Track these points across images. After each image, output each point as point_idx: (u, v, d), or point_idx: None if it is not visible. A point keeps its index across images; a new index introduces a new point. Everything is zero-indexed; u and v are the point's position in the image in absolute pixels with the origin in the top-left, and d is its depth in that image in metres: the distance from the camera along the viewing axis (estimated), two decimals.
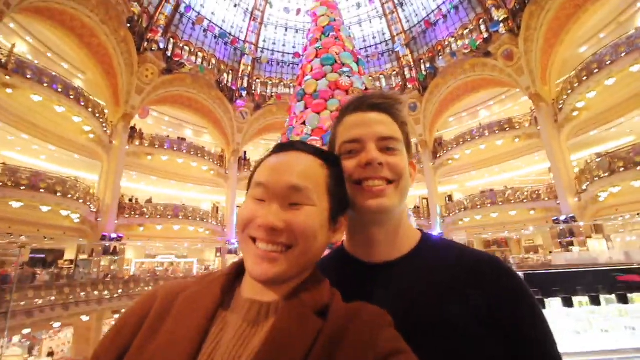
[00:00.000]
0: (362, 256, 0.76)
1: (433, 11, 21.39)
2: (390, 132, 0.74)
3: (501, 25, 17.63)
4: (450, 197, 24.03)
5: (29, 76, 12.52)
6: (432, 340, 0.61)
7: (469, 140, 19.81)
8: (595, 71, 13.59)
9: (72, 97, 14.08)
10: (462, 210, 20.13)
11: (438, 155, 21.71)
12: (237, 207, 22.83)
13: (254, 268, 0.57)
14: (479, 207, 19.18)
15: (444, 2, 20.81)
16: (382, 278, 0.71)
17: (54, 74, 13.89)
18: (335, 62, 6.01)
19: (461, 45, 19.58)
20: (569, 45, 16.10)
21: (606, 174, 13.10)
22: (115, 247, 16.00)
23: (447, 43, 20.80)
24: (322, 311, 0.57)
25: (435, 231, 20.48)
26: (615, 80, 13.15)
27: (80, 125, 15.08)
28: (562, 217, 15.50)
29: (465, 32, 19.83)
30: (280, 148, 0.67)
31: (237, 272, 0.66)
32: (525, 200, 17.66)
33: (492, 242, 23.19)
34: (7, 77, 11.85)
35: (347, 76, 5.53)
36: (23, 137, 14.33)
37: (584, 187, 14.70)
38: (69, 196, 13.63)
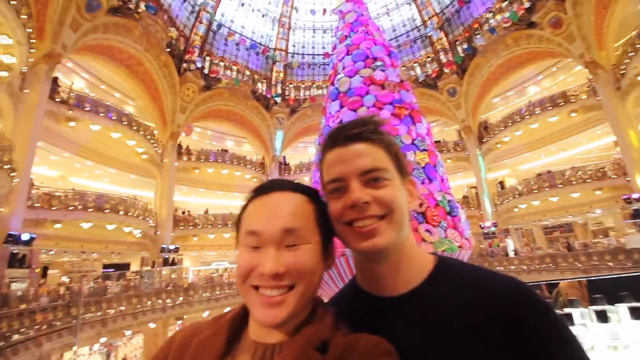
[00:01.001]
0: (372, 289, 0.73)
1: None
2: (373, 162, 0.68)
3: None
4: (502, 184, 22.49)
5: (87, 109, 13.94)
6: None
7: (518, 120, 18.37)
8: None
9: (125, 123, 15.40)
10: (517, 196, 18.72)
11: (484, 140, 20.41)
12: None
13: (263, 316, 0.59)
14: (535, 191, 17.69)
15: None
16: (393, 314, 0.68)
17: (108, 104, 15.32)
18: (367, 57, 5.86)
19: (500, 19, 18.21)
20: (626, 2, 14.27)
21: None
22: (173, 258, 17.16)
23: (484, 19, 19.49)
24: (323, 346, 0.58)
25: (488, 221, 19.28)
26: None
27: (134, 148, 16.42)
28: (635, 195, 13.79)
29: (504, 4, 18.41)
30: (261, 191, 0.68)
31: (245, 313, 0.68)
32: (588, 180, 15.97)
33: (552, 228, 21.32)
34: (70, 112, 13.31)
35: (381, 70, 5.37)
36: (87, 164, 15.96)
37: None
38: (130, 214, 14.88)
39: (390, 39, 22.53)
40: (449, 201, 4.99)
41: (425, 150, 5.25)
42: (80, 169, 16.61)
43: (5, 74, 9.97)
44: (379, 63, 5.76)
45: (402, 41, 23.31)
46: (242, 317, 0.68)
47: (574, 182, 16.35)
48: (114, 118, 14.89)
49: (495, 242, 18.07)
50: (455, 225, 4.87)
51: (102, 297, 11.91)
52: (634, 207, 13.78)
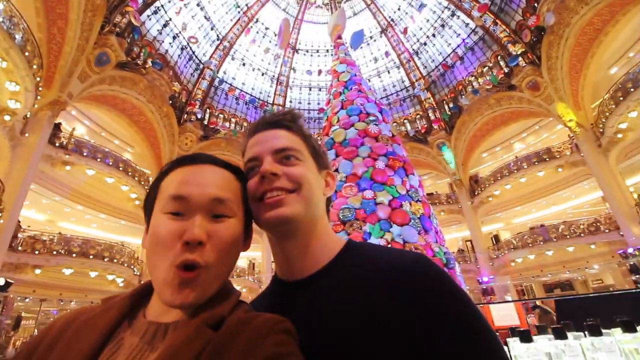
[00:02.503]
0: (285, 275, 0.73)
1: (449, 55, 22.11)
2: (285, 143, 0.73)
3: (520, 58, 17.73)
4: (496, 237, 22.40)
5: (85, 154, 14.08)
6: None
7: (507, 174, 18.93)
8: (632, 90, 12.98)
9: (121, 168, 15.48)
10: (512, 250, 18.54)
11: (476, 193, 20.78)
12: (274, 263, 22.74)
13: (175, 296, 0.54)
14: (530, 245, 17.58)
15: (458, 46, 21.53)
16: (298, 296, 0.67)
17: (106, 149, 15.53)
18: (361, 112, 6.20)
19: (482, 82, 19.71)
20: (597, 68, 15.70)
21: None
22: None
23: (467, 82, 21.07)
24: (218, 323, 0.54)
25: (484, 276, 18.82)
26: None
27: (127, 194, 16.29)
28: (630, 250, 13.76)
29: (485, 69, 20.07)
30: (189, 160, 0.65)
31: (143, 293, 0.64)
32: (582, 234, 16.02)
33: (553, 284, 20.82)
34: (67, 156, 13.41)
35: (375, 124, 5.64)
36: (78, 209, 15.66)
37: None
38: (115, 261, 14.28)
39: (381, 98, 24.04)
40: (445, 253, 4.93)
41: (420, 201, 5.32)
42: (69, 213, 16.26)
43: (8, 118, 10.20)
44: (372, 118, 6.08)
45: (392, 99, 24.81)
46: (140, 297, 0.63)
47: (567, 236, 16.38)
48: (110, 163, 14.99)
49: (494, 299, 17.45)
50: (453, 278, 4.75)
51: None
52: (631, 262, 13.66)
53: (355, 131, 5.52)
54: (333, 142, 5.56)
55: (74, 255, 12.80)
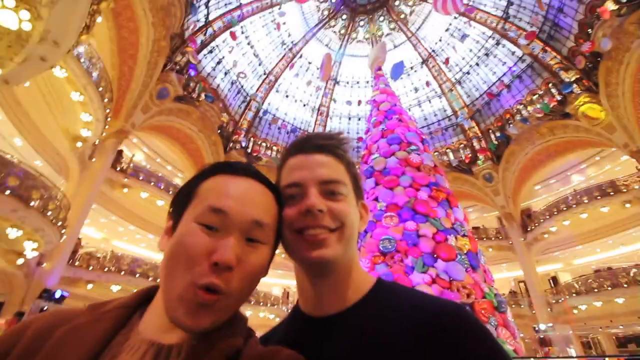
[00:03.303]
0: (311, 311, 0.70)
1: (494, 83, 21.47)
2: (334, 174, 0.69)
3: (574, 85, 16.67)
4: (554, 279, 20.16)
5: (141, 178, 15.35)
6: None
7: (564, 209, 17.26)
8: None
9: (171, 192, 16.57)
10: (574, 295, 16.48)
11: (529, 229, 19.11)
12: None
13: (188, 317, 0.49)
14: (596, 290, 15.53)
15: (504, 74, 20.87)
16: (325, 333, 0.64)
17: (159, 175, 16.82)
18: (402, 141, 6.13)
19: (532, 110, 18.69)
20: None
21: None
22: None
23: (515, 110, 20.12)
24: (234, 356, 0.51)
25: (541, 323, 16.78)
26: None
27: None
28: None
29: (534, 97, 19.09)
30: (233, 169, 0.61)
31: (140, 302, 0.58)
32: None
33: (623, 338, 17.99)
34: (125, 180, 14.68)
35: (417, 153, 5.51)
36: (130, 228, 16.82)
37: None
38: (158, 280, 14.93)
39: (422, 127, 23.67)
40: (496, 295, 4.50)
41: (466, 235, 4.99)
42: (122, 232, 17.51)
43: (80, 144, 11.49)
44: (413, 147, 5.96)
45: (433, 129, 24.32)
46: (137, 307, 0.57)
47: None
48: (162, 187, 16.18)
49: (553, 351, 15.38)
50: (506, 323, 4.28)
51: None
52: None
53: (395, 160, 5.43)
54: (373, 170, 5.50)
55: (122, 272, 13.65)
